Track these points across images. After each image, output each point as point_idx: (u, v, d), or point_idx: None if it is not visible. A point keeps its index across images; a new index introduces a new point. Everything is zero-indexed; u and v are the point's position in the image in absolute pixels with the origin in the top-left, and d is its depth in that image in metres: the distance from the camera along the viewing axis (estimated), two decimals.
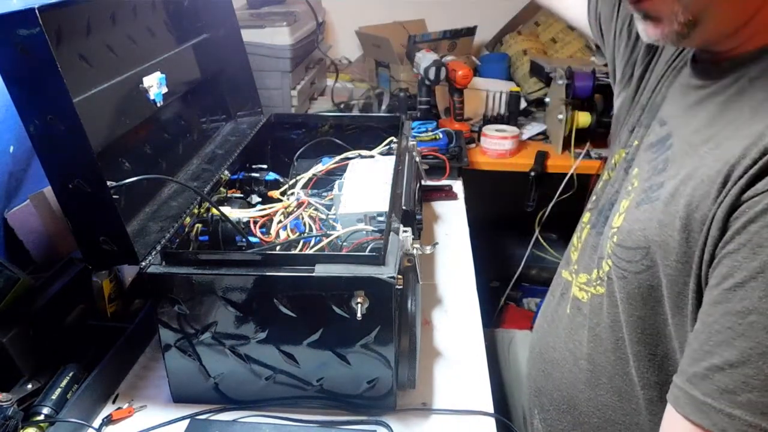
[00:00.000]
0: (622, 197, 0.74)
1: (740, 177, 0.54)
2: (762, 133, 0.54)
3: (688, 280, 0.60)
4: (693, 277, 0.59)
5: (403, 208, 0.89)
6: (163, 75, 0.99)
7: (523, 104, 1.81)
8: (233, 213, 0.93)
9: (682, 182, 0.61)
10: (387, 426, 0.79)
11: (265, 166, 1.13)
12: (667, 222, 0.61)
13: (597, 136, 1.60)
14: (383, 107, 1.81)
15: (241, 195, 1.06)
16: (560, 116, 1.58)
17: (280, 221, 0.95)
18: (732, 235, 0.54)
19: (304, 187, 1.09)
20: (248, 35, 1.38)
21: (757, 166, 0.53)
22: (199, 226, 0.92)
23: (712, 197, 0.56)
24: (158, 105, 0.98)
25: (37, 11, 0.62)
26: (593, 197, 0.89)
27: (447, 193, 1.41)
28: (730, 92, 0.62)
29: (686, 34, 0.61)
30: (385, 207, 0.90)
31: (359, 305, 0.71)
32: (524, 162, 1.61)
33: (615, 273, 0.69)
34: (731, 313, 0.54)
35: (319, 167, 1.13)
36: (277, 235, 0.93)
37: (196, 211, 0.92)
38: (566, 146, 1.62)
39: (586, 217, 0.88)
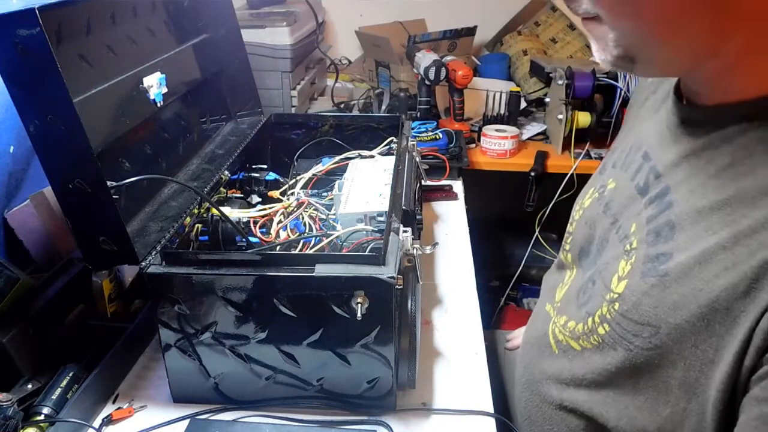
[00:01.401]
0: (618, 254, 0.66)
1: None
2: None
3: (709, 371, 0.54)
4: (719, 373, 0.53)
5: (403, 208, 0.89)
6: (163, 75, 0.99)
7: (523, 104, 1.81)
8: (233, 213, 0.93)
9: (697, 262, 0.54)
10: (387, 426, 0.79)
11: (265, 166, 1.13)
12: (681, 304, 0.55)
13: (597, 136, 1.60)
14: (383, 107, 1.81)
15: (241, 195, 1.06)
16: (560, 116, 1.58)
17: (280, 221, 0.95)
18: None
19: (304, 187, 1.09)
20: (248, 35, 1.38)
21: None
22: (199, 226, 0.92)
23: (741, 291, 0.50)
24: (158, 105, 0.98)
25: (37, 11, 0.62)
26: (568, 237, 0.84)
27: (447, 193, 1.41)
28: (735, 148, 0.55)
29: (626, 67, 0.57)
30: (385, 207, 0.90)
31: (359, 305, 0.71)
32: (524, 162, 1.61)
33: (620, 344, 0.62)
34: None
35: (319, 167, 1.13)
36: (277, 235, 0.93)
37: (196, 211, 0.92)
38: (566, 146, 1.62)
39: (568, 257, 0.84)
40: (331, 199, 1.03)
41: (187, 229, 0.89)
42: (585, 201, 0.83)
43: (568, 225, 0.87)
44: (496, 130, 1.63)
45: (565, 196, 1.56)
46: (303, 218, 0.97)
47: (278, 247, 0.89)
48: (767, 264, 0.49)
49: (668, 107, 0.66)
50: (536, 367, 0.82)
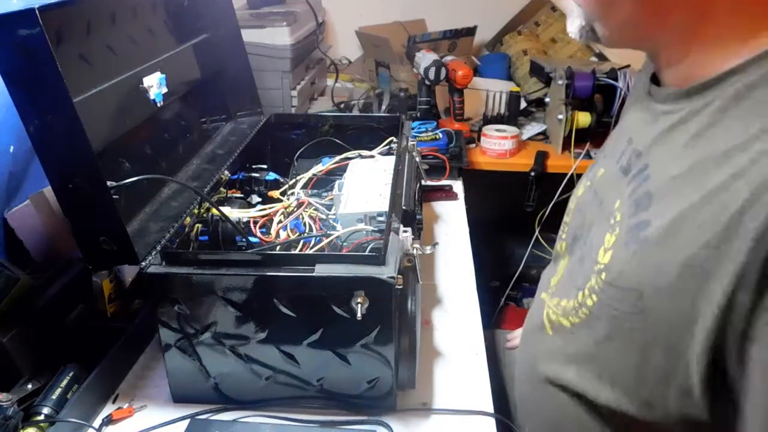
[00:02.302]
0: (603, 229, 0.70)
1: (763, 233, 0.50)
2: (744, 170, 0.53)
3: (691, 329, 0.57)
4: (700, 330, 0.56)
5: (403, 208, 0.89)
6: (163, 75, 0.99)
7: (523, 104, 1.81)
8: (233, 213, 0.93)
9: (671, 224, 0.58)
10: (387, 426, 0.79)
11: (265, 166, 1.13)
12: (662, 268, 0.58)
13: (597, 136, 1.60)
14: (383, 107, 1.81)
15: (241, 195, 1.06)
16: (560, 116, 1.58)
17: (280, 221, 0.95)
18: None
19: (304, 187, 1.09)
20: (248, 35, 1.38)
21: None
22: (199, 226, 0.91)
23: (713, 247, 0.53)
24: (158, 105, 0.98)
25: (37, 11, 0.62)
26: (564, 227, 0.88)
27: (447, 193, 1.41)
28: (702, 118, 0.61)
29: (590, 36, 0.66)
30: (385, 207, 0.90)
31: (359, 305, 0.71)
32: (524, 162, 1.61)
33: (606, 313, 0.66)
34: None
35: (319, 167, 1.13)
36: (277, 235, 0.93)
37: (196, 211, 0.92)
38: (566, 146, 1.62)
39: (563, 246, 0.86)
40: (331, 199, 1.03)
41: (187, 229, 0.89)
42: (578, 191, 0.86)
43: (565, 216, 0.90)
44: (496, 130, 1.63)
45: (565, 196, 1.56)
46: (303, 218, 0.97)
47: (278, 247, 0.89)
48: (734, 220, 0.52)
49: (647, 93, 0.73)
50: (533, 351, 0.83)
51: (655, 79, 0.72)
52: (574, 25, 0.69)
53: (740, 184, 0.53)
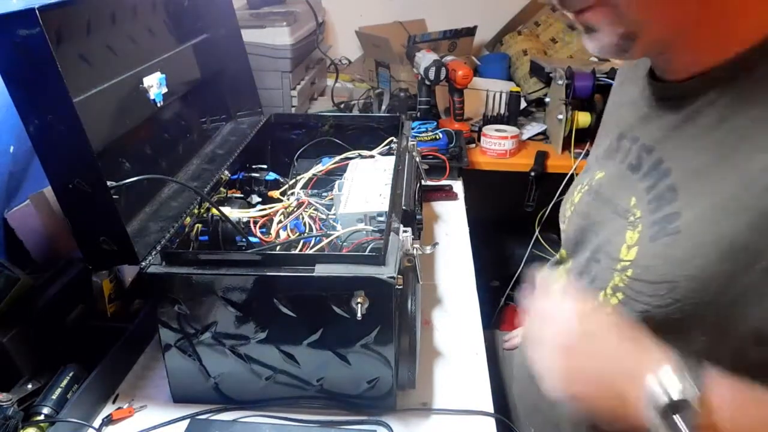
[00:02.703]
0: (621, 227, 0.70)
1: None
2: None
3: (742, 308, 0.58)
4: (752, 307, 0.58)
5: (403, 208, 0.89)
6: (163, 75, 0.99)
7: (523, 104, 1.81)
8: (233, 213, 0.93)
9: (709, 213, 0.59)
10: (387, 426, 0.79)
11: (265, 166, 1.13)
12: (699, 254, 0.59)
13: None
14: (383, 107, 1.81)
15: (241, 195, 1.06)
16: (560, 116, 1.58)
17: (280, 221, 0.95)
18: None
19: (304, 187, 1.09)
20: (248, 35, 1.38)
21: None
22: (199, 226, 0.91)
23: (757, 229, 0.55)
24: (158, 105, 0.98)
25: (37, 11, 0.62)
26: (563, 234, 0.88)
27: (447, 193, 1.41)
28: (718, 108, 0.61)
29: (625, 47, 0.62)
30: (385, 207, 0.90)
31: (359, 305, 0.71)
32: (524, 162, 1.61)
33: (633, 307, 0.66)
34: None
35: (319, 167, 1.13)
36: (277, 235, 0.93)
37: (196, 211, 0.92)
38: (566, 146, 1.62)
39: (563, 253, 0.86)
40: (331, 199, 1.03)
41: (187, 229, 0.89)
42: (575, 198, 0.86)
43: (561, 224, 0.90)
44: (496, 130, 1.63)
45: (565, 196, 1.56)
46: (303, 218, 0.97)
47: (278, 247, 0.89)
48: None
49: (645, 90, 0.72)
50: None
51: (651, 74, 0.72)
52: (602, 42, 0.63)
53: None
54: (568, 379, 0.62)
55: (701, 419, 0.52)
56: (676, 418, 0.53)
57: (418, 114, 1.70)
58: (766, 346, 0.60)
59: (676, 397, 0.53)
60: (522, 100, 1.80)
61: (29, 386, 0.80)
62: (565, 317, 0.63)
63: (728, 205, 0.57)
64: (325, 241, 0.87)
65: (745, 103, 0.59)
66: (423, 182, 1.22)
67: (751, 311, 0.58)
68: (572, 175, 1.56)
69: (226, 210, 0.93)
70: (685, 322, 0.62)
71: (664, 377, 0.54)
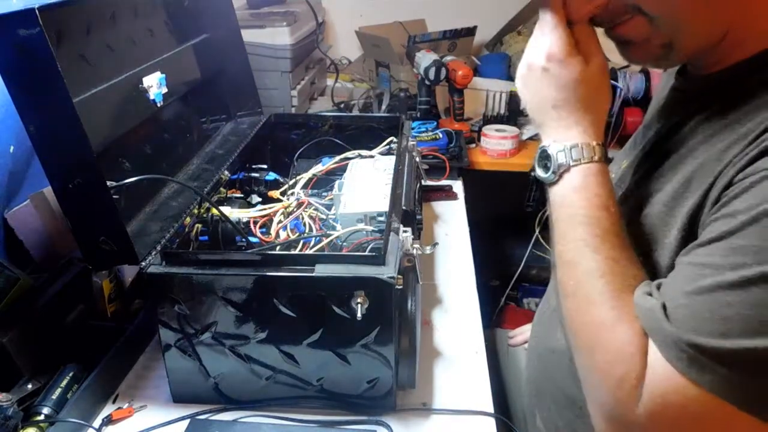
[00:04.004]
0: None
1: (736, 157, 0.55)
2: (750, 129, 0.56)
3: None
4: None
5: (403, 208, 0.89)
6: (163, 75, 0.99)
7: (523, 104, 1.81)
8: (233, 213, 0.93)
9: (666, 195, 0.63)
10: (387, 426, 0.79)
11: (265, 166, 1.13)
12: (669, 222, 0.62)
13: None
14: (383, 107, 1.81)
15: (241, 195, 1.06)
16: None
17: (280, 221, 0.95)
18: (728, 195, 0.55)
19: (304, 187, 1.09)
20: (248, 35, 1.38)
21: (754, 147, 0.54)
22: (199, 226, 0.92)
23: (706, 185, 0.58)
24: (158, 105, 0.98)
25: (37, 11, 0.62)
26: None
27: (447, 193, 1.41)
28: (713, 106, 0.64)
29: (665, 56, 0.64)
30: (385, 207, 0.90)
31: (359, 305, 0.71)
32: (524, 162, 1.61)
33: None
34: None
35: (319, 167, 1.13)
36: (277, 235, 0.93)
37: (196, 211, 0.92)
38: None
39: None
40: (331, 199, 1.03)
41: (187, 229, 0.89)
42: None
43: None
44: (496, 130, 1.63)
45: None
46: (303, 218, 0.97)
47: (278, 247, 0.89)
48: (728, 158, 0.56)
49: (673, 84, 0.75)
50: (549, 338, 0.85)
51: (680, 70, 0.74)
52: (643, 53, 0.65)
53: (745, 141, 0.56)
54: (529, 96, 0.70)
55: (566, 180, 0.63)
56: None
57: (418, 114, 1.70)
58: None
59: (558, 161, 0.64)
60: None
61: (29, 386, 0.81)
62: (556, 49, 0.66)
63: (680, 190, 0.61)
64: (325, 241, 0.87)
65: (731, 104, 0.61)
66: (423, 182, 1.22)
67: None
68: None
69: (226, 210, 0.93)
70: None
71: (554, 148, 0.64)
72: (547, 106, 0.67)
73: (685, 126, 0.68)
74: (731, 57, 0.63)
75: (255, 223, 0.94)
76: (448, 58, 1.65)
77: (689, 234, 0.60)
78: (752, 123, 0.57)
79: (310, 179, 1.11)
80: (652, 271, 0.64)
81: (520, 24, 2.16)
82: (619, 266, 0.60)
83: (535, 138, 1.73)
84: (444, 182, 1.42)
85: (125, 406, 0.83)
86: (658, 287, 0.57)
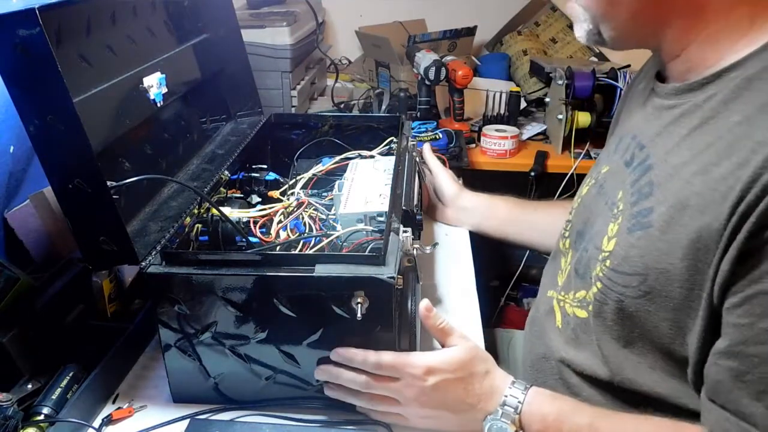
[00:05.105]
0: (607, 219, 0.74)
1: (752, 208, 0.54)
2: (748, 160, 0.56)
3: (696, 305, 0.61)
4: (703, 302, 0.60)
5: (403, 208, 0.89)
6: (163, 75, 0.99)
7: (523, 104, 1.81)
8: (233, 213, 0.93)
9: (676, 210, 0.62)
10: (387, 426, 0.79)
11: (265, 166, 1.13)
12: (666, 250, 0.62)
13: (597, 136, 1.59)
14: (383, 107, 1.81)
15: (241, 195, 1.06)
16: (560, 116, 1.58)
17: (280, 221, 0.95)
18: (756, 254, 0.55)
19: (304, 187, 1.09)
20: (248, 35, 1.38)
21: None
22: (199, 226, 0.91)
23: (715, 230, 0.57)
24: (158, 105, 0.98)
25: (37, 11, 0.62)
26: (568, 224, 0.91)
27: None
28: (704, 112, 0.64)
29: (598, 39, 0.72)
30: (385, 207, 0.90)
31: (359, 305, 0.71)
32: (524, 162, 1.61)
33: (611, 298, 0.70)
34: None
35: (319, 167, 1.13)
36: (277, 235, 0.93)
37: (196, 211, 0.92)
38: (566, 146, 1.62)
39: (566, 243, 0.89)
40: (331, 199, 1.03)
41: (187, 229, 0.89)
42: (582, 190, 0.89)
43: (568, 215, 0.92)
44: (496, 130, 1.63)
45: (565, 196, 1.56)
46: (303, 218, 0.97)
47: (278, 247, 0.89)
48: (736, 206, 0.56)
49: (650, 90, 0.76)
50: (540, 345, 0.86)
51: (660, 77, 0.76)
52: (582, 30, 0.73)
53: (742, 173, 0.56)
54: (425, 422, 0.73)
55: None
56: None
57: (418, 114, 1.70)
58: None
59: None
60: (522, 100, 1.80)
61: (29, 386, 0.80)
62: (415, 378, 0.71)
63: (690, 204, 0.60)
64: (325, 241, 0.87)
65: (726, 108, 0.62)
66: (423, 182, 1.22)
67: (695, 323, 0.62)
68: (572, 175, 1.56)
69: (226, 210, 0.93)
70: (654, 314, 0.65)
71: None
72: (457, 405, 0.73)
73: (666, 136, 0.69)
74: (706, 62, 0.66)
75: (255, 223, 0.94)
76: (448, 58, 1.65)
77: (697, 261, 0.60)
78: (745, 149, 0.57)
79: (310, 179, 1.11)
80: (647, 291, 0.65)
81: (520, 24, 2.16)
82: None
83: (535, 138, 1.73)
84: None
85: (125, 406, 0.83)
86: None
